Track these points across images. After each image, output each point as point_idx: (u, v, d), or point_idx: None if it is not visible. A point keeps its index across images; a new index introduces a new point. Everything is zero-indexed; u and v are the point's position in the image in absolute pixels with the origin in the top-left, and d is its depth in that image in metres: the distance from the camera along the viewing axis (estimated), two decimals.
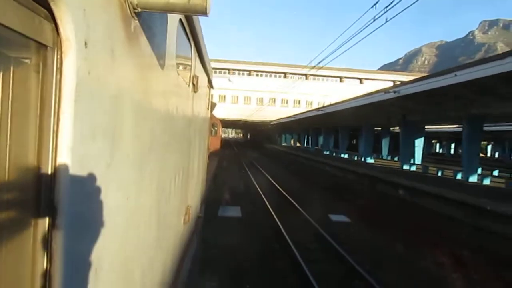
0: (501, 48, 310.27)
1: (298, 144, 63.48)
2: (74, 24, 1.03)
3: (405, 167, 25.39)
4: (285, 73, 69.94)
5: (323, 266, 8.58)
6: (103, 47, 1.25)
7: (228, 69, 68.65)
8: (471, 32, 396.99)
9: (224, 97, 66.09)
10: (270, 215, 13.38)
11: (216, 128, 25.49)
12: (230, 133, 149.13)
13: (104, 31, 1.26)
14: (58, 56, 1.03)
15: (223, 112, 56.30)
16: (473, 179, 19.28)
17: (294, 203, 15.40)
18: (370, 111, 25.94)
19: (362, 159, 32.69)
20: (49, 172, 1.03)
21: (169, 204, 2.78)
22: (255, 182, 21.60)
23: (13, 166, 0.95)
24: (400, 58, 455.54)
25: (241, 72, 69.97)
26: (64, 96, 1.04)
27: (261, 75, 70.43)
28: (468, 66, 13.87)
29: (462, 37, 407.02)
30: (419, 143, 29.03)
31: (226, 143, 66.39)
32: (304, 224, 12.43)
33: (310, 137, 53.45)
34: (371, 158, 31.95)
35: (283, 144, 69.72)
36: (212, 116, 12.60)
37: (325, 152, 42.88)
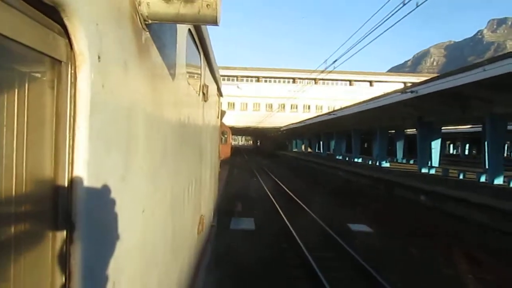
0: (510, 46, 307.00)
1: (309, 150, 62.42)
2: (88, 38, 1.04)
3: (424, 170, 24.38)
4: (294, 78, 69.37)
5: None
6: (115, 60, 1.26)
7: (236, 76, 68.40)
8: (480, 31, 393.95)
9: (233, 104, 65.72)
10: (285, 226, 12.63)
11: (226, 136, 25.90)
12: (240, 141, 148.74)
13: (117, 44, 1.27)
14: (72, 71, 1.04)
15: (232, 119, 55.84)
16: (498, 181, 18.21)
17: (310, 212, 14.62)
18: (384, 113, 25.07)
19: (377, 163, 31.60)
20: (66, 186, 1.03)
21: (183, 215, 2.78)
22: (267, 190, 20.85)
23: (30, 180, 0.96)
24: (408, 60, 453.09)
25: (249, 78, 69.59)
26: (79, 111, 1.04)
27: (270, 81, 69.94)
28: (498, 59, 12.80)
29: (470, 36, 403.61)
30: (436, 145, 28.02)
31: (236, 151, 65.92)
32: (324, 237, 11.65)
33: (321, 142, 52.40)
34: (386, 162, 30.88)
35: (294, 150, 68.85)
36: (222, 124, 12.34)
37: (337, 157, 41.92)
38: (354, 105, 29.47)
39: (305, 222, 13.46)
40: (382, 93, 25.36)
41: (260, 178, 27.88)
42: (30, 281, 0.97)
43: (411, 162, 36.29)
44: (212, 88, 4.99)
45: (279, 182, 24.77)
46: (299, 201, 17.06)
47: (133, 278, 1.53)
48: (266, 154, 66.02)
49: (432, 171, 24.34)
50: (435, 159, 28.35)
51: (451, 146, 75.81)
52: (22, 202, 0.95)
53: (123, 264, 1.36)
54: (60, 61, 1.02)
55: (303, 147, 67.60)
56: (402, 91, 18.90)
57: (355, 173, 26.82)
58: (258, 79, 70.33)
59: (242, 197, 17.85)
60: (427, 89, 17.25)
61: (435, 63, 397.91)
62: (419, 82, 19.57)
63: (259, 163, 45.02)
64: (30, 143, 0.96)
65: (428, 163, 25.26)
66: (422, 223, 13.67)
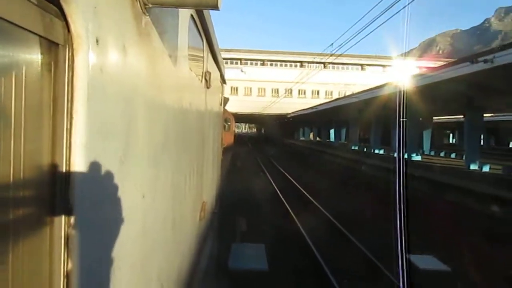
0: None
1: (318, 139, 57.07)
2: (85, 21, 1.03)
3: (473, 166, 19.12)
4: (301, 62, 64.39)
5: None
6: (114, 44, 1.25)
7: (240, 59, 63.56)
8: (487, 20, 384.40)
9: (237, 89, 60.85)
10: (316, 264, 7.68)
11: (229, 123, 24.69)
12: (244, 128, 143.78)
13: (116, 28, 1.27)
14: (70, 54, 1.03)
15: (235, 105, 50.83)
16: None
17: (348, 234, 10.20)
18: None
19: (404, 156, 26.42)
20: (64, 171, 1.03)
21: (184, 201, 2.79)
22: (280, 194, 15.84)
23: (28, 165, 0.96)
24: (414, 48, 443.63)
25: (254, 62, 64.25)
26: (76, 94, 1.04)
27: (276, 65, 64.47)
28: None
29: (477, 25, 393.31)
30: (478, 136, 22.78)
31: (239, 139, 61.51)
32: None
33: (332, 131, 46.99)
34: (417, 155, 25.63)
35: (301, 139, 63.66)
36: (225, 111, 11.86)
37: (353, 147, 36.67)
38: (384, 85, 24.04)
39: (345, 253, 8.65)
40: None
41: (268, 174, 22.95)
42: (28, 264, 0.97)
43: (442, 154, 31.00)
44: (215, 75, 4.95)
45: (293, 181, 19.91)
46: (327, 214, 12.09)
47: (134, 262, 1.52)
48: (271, 142, 61.23)
49: (486, 168, 19.09)
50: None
51: (451, 135, 69.01)
52: (20, 186, 0.95)
53: (124, 248, 1.35)
54: (57, 44, 1.01)
55: (311, 135, 62.16)
56: (473, 59, 13.60)
57: (384, 168, 21.67)
58: (263, 62, 65.35)
59: (247, 206, 12.85)
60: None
61: (441, 52, 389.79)
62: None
63: (265, 154, 40.18)
64: (27, 127, 0.95)
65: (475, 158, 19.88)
66: None
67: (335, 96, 59.01)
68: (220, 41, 5.09)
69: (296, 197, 16.56)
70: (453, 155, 29.30)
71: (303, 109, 47.36)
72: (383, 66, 66.60)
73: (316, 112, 40.71)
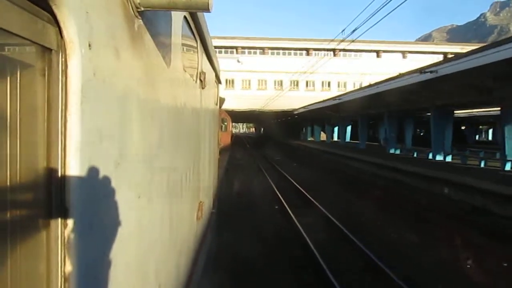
0: None
1: (332, 139, 46.27)
2: (77, 26, 1.05)
3: None
4: (307, 49, 54.75)
5: None
6: (107, 48, 1.27)
7: (236, 47, 54.39)
8: (483, 14, 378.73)
9: (232, 82, 51.30)
10: None
11: (226, 124, 24.51)
12: (241, 128, 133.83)
13: (108, 32, 1.28)
14: (63, 59, 1.05)
15: (232, 102, 40.62)
16: None
17: None
18: None
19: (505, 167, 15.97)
20: (59, 174, 1.05)
21: (181, 201, 2.76)
22: (314, 248, 6.61)
23: (23, 169, 0.99)
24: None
25: (252, 50, 53.71)
26: (70, 98, 1.05)
27: (278, 53, 53.87)
28: None
29: (473, 19, 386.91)
30: None
31: (236, 139, 50.90)
32: None
33: (358, 128, 36.02)
34: None
35: (309, 139, 53.09)
36: (221, 112, 10.88)
37: (392, 151, 26.12)
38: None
39: None
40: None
41: (283, 199, 12.32)
42: (26, 266, 0.99)
43: None
44: (210, 75, 4.84)
45: (327, 213, 9.67)
46: None
47: (131, 263, 1.53)
48: (273, 143, 50.72)
49: None
50: None
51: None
52: (16, 189, 0.97)
53: (120, 248, 1.36)
54: (51, 49, 1.02)
55: (322, 135, 51.14)
56: None
57: (482, 191, 11.20)
58: (263, 50, 54.87)
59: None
60: None
61: None
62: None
63: (270, 160, 30.13)
64: (22, 131, 0.97)
65: None
66: None
67: (350, 87, 49.42)
68: (213, 28, 4.79)
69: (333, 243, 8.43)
70: None
71: (316, 102, 37.18)
72: (403, 52, 56.15)
73: (338, 103, 29.96)
